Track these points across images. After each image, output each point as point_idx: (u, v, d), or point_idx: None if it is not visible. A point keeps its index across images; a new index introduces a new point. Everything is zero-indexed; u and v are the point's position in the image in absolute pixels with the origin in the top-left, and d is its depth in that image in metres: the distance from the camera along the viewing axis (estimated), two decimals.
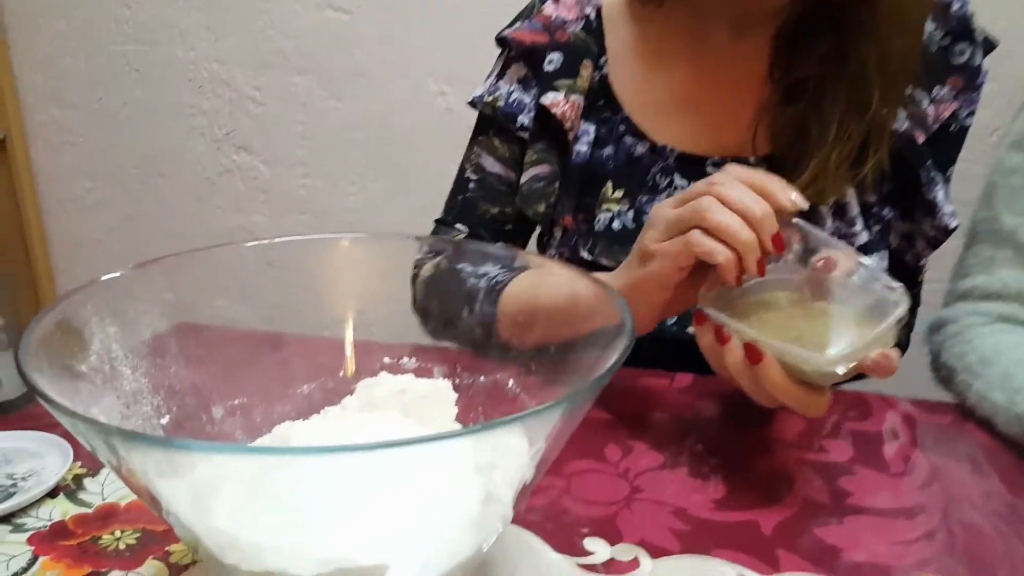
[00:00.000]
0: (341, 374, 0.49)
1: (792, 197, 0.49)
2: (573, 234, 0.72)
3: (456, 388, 0.47)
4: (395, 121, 1.44)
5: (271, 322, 0.51)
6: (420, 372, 0.49)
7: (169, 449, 0.29)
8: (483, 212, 0.77)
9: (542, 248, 0.78)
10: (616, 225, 0.70)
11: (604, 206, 0.70)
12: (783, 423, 0.57)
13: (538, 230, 0.78)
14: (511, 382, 0.46)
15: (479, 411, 0.46)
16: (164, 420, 0.41)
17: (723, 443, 0.55)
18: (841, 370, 0.44)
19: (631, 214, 0.70)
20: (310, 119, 1.49)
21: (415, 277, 0.57)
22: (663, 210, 0.52)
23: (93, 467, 0.50)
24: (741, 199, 0.48)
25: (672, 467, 0.51)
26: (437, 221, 0.79)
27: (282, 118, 1.50)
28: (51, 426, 0.53)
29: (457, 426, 0.47)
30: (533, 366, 0.46)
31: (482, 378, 0.47)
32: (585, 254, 0.71)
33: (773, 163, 0.66)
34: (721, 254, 0.47)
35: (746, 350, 0.46)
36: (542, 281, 0.50)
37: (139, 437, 0.31)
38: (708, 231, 0.48)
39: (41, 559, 0.42)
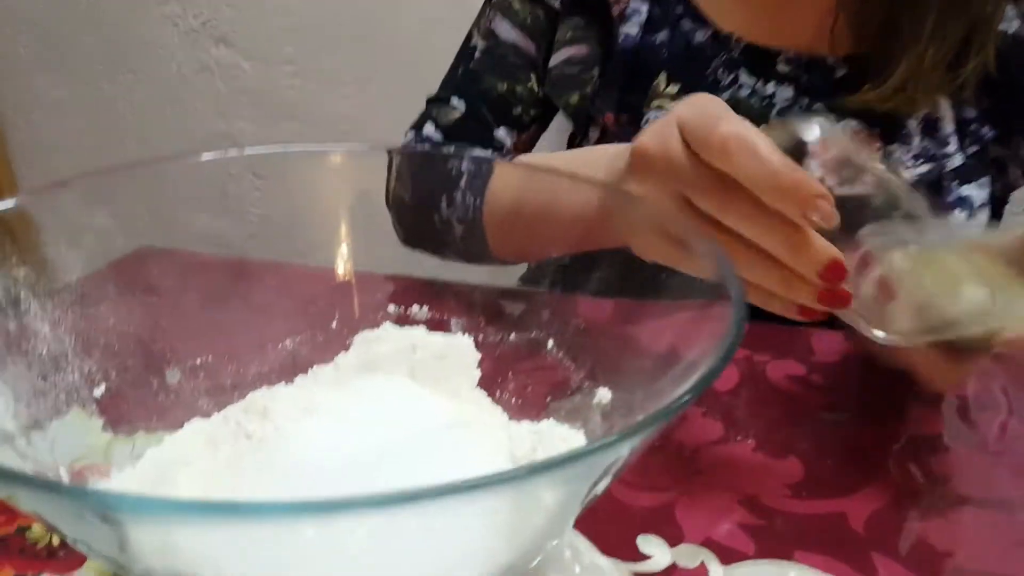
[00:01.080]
0: (334, 324, 0.39)
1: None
2: (614, 136, 0.60)
3: (479, 346, 0.38)
4: (399, 11, 1.28)
5: (250, 251, 0.41)
6: (434, 324, 0.39)
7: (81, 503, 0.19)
8: (489, 86, 0.64)
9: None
10: None
11: (655, 103, 0.59)
12: (865, 385, 0.48)
13: (569, 131, 0.67)
14: (551, 343, 0.37)
15: (508, 378, 0.37)
16: (98, 391, 0.32)
17: (795, 410, 0.46)
18: None
19: None
20: (300, 7, 1.32)
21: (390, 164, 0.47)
22: (670, 145, 0.37)
23: (43, 417, 0.41)
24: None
25: (735, 440, 0.43)
26: (429, 100, 0.67)
27: (267, 6, 1.34)
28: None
29: (480, 394, 0.37)
30: (583, 324, 0.36)
31: (512, 335, 0.38)
32: None
33: (855, 64, 0.55)
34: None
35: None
36: (555, 172, 0.40)
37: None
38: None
39: None
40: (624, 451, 0.22)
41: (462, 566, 0.24)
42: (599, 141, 0.62)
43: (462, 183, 0.50)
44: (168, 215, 0.40)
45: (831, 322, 0.64)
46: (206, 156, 0.38)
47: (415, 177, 0.50)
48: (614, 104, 0.60)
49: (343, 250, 0.42)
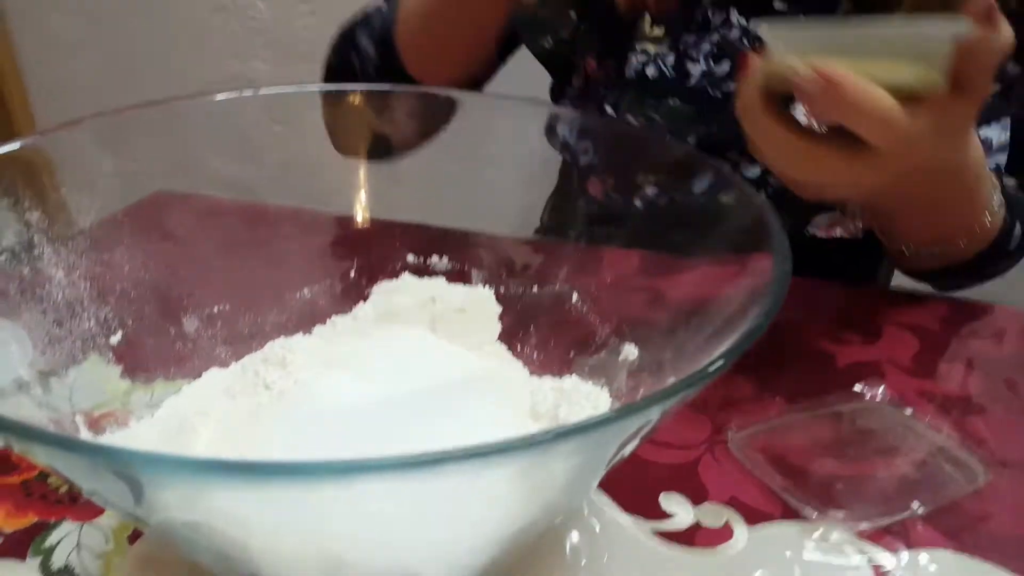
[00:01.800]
0: (352, 274, 0.38)
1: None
2: (597, 83, 0.57)
3: (500, 298, 0.37)
4: None
5: (268, 196, 0.40)
6: (454, 276, 0.38)
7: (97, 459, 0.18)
8: None
9: (556, 100, 0.63)
10: (651, 72, 0.54)
11: (638, 46, 0.55)
12: (901, 343, 0.47)
13: (549, 82, 0.63)
14: (575, 296, 0.35)
15: (530, 332, 0.36)
16: (115, 338, 0.31)
17: (828, 367, 0.45)
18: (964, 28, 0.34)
19: (672, 59, 0.54)
20: None
21: None
22: None
23: (57, 365, 0.41)
24: None
25: (765, 397, 0.42)
26: None
27: None
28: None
29: (501, 348, 0.36)
30: (609, 277, 0.35)
31: (535, 288, 0.37)
32: (609, 109, 0.56)
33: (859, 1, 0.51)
34: None
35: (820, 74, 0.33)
36: None
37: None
38: None
39: None
40: (653, 416, 0.21)
41: (484, 524, 0.23)
42: (584, 89, 0.59)
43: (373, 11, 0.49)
44: (185, 158, 0.39)
45: (867, 274, 0.62)
46: (220, 96, 0.37)
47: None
48: (596, 49, 0.57)
49: (361, 196, 0.41)
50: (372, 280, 0.38)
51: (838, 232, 0.57)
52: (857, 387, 0.42)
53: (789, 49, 0.34)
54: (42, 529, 0.32)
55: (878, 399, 0.42)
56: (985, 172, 0.45)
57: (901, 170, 0.37)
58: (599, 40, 0.57)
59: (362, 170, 0.41)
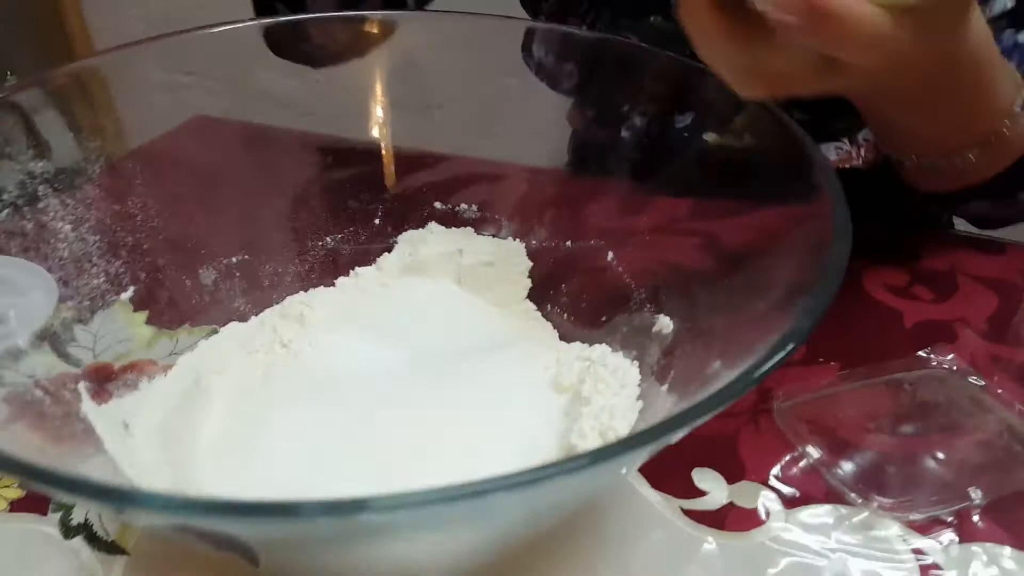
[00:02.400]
0: (377, 221, 0.36)
1: None
2: (572, 5, 0.49)
3: (531, 254, 0.34)
4: None
5: (310, 123, 0.38)
6: (483, 224, 0.35)
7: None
8: None
9: (532, 12, 0.55)
10: None
11: None
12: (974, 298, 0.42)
13: None
14: (611, 255, 0.33)
15: (560, 291, 0.33)
16: (127, 294, 0.30)
17: (892, 328, 0.41)
18: None
19: None
20: None
21: None
22: None
23: (83, 310, 0.41)
24: None
25: (816, 362, 0.38)
26: None
27: None
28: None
29: (529, 307, 0.34)
30: (647, 234, 0.32)
31: (568, 243, 0.34)
32: (583, 29, 0.48)
33: None
34: None
35: None
36: None
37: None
38: None
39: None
40: (699, 422, 0.19)
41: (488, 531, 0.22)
42: (560, 3, 0.51)
43: None
44: (232, 79, 0.37)
45: (935, 220, 0.56)
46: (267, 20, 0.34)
47: None
48: None
49: (390, 128, 0.38)
50: (398, 228, 0.36)
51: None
52: (922, 352, 0.39)
53: None
54: None
55: (945, 366, 0.38)
56: (995, 61, 0.37)
57: (880, 78, 0.31)
58: None
59: (390, 100, 0.38)
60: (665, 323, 0.29)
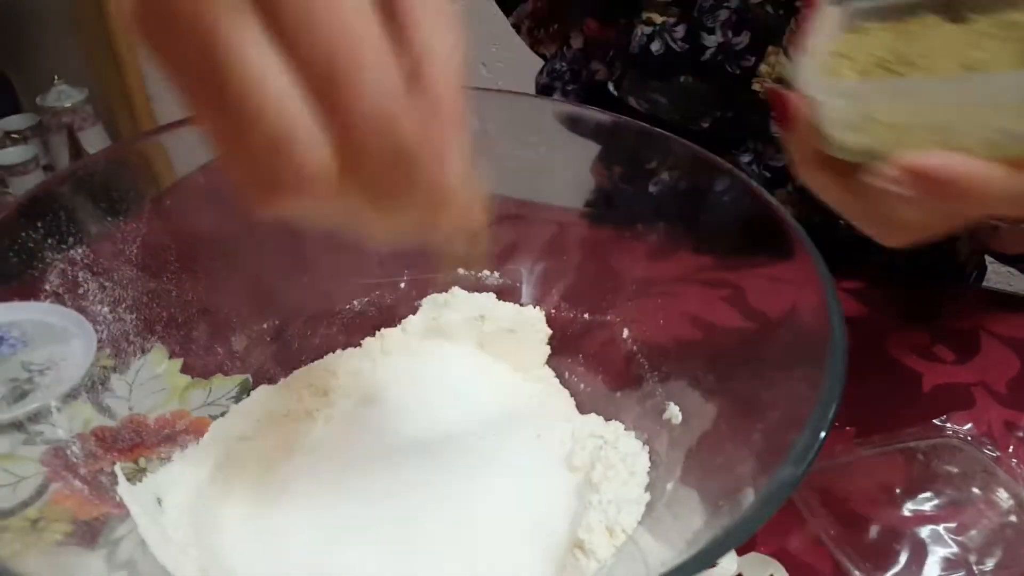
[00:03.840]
0: (403, 285, 0.37)
1: None
2: (597, 49, 0.49)
3: (551, 321, 0.35)
4: None
5: None
6: (504, 292, 0.36)
7: None
8: None
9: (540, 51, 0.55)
10: (656, 47, 0.46)
11: (644, 15, 0.47)
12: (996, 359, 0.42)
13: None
14: (626, 332, 0.33)
15: (578, 361, 0.34)
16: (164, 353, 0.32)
17: (913, 395, 0.41)
18: None
19: (681, 30, 0.45)
20: None
21: None
22: None
23: (121, 358, 0.43)
24: None
25: (832, 428, 0.39)
26: None
27: None
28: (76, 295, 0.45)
29: (548, 373, 0.35)
30: (661, 319, 0.32)
31: (586, 315, 0.35)
32: (611, 88, 0.48)
33: None
34: None
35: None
36: None
37: None
38: None
39: (52, 487, 0.36)
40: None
41: None
42: (577, 55, 0.51)
43: None
44: None
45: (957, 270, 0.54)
46: None
47: None
48: (598, 8, 0.49)
49: None
50: (422, 292, 0.37)
51: None
52: (938, 421, 0.39)
53: (851, 108, 0.24)
54: (111, 521, 0.34)
55: (961, 435, 0.38)
56: None
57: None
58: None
59: None
60: (674, 412, 0.30)
